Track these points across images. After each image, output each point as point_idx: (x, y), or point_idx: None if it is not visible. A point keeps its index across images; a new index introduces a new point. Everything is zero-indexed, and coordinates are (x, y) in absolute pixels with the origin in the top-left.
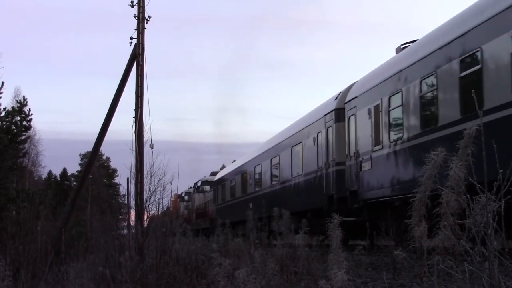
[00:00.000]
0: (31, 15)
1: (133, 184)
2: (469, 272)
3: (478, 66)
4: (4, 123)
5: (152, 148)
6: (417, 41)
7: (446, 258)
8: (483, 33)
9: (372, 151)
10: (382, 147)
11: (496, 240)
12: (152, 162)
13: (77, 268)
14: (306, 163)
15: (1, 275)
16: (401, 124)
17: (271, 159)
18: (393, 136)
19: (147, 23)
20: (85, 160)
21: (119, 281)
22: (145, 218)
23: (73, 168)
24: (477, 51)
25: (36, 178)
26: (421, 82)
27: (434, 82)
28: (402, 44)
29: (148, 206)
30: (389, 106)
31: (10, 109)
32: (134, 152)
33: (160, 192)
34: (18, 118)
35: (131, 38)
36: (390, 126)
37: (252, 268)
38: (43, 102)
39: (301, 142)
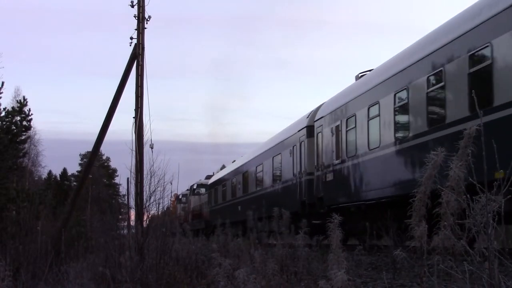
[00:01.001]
0: (31, 15)
1: (133, 184)
2: (469, 272)
3: (405, 101)
4: (4, 123)
5: (152, 148)
6: (371, 71)
7: (446, 258)
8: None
9: (334, 164)
10: (341, 161)
11: (496, 240)
12: (152, 162)
13: (77, 268)
14: (284, 172)
15: (1, 275)
16: (355, 143)
17: (256, 167)
18: (349, 152)
19: (147, 23)
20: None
21: (119, 281)
22: (145, 218)
23: (73, 168)
24: (405, 88)
25: (36, 178)
26: (368, 109)
27: (377, 111)
28: (360, 73)
29: (148, 206)
30: (346, 127)
31: (10, 109)
32: (134, 152)
33: (160, 192)
34: (18, 118)
35: (131, 38)
36: (347, 143)
37: (252, 268)
38: (43, 102)
39: (280, 153)
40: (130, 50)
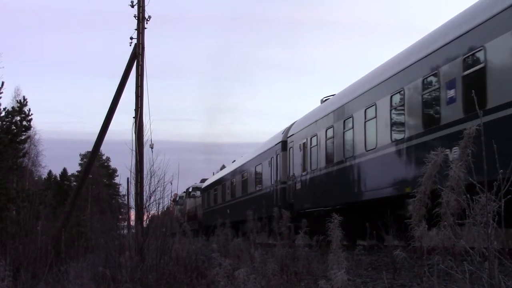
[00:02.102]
0: (31, 15)
1: (133, 184)
2: (469, 272)
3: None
4: (4, 123)
5: (152, 148)
6: (332, 96)
7: (446, 258)
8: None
9: (301, 175)
10: (307, 173)
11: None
12: (152, 162)
13: (77, 268)
14: (264, 180)
15: (1, 275)
16: (317, 158)
17: (242, 174)
18: (313, 165)
19: (147, 23)
20: (85, 160)
21: (119, 281)
22: (145, 218)
23: (73, 168)
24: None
25: (36, 178)
26: (326, 130)
27: (331, 133)
28: (325, 97)
29: (148, 206)
30: (311, 144)
31: (10, 109)
32: (134, 152)
33: (160, 192)
34: (18, 118)
35: (131, 38)
36: (311, 158)
37: (252, 268)
38: (43, 102)
39: (261, 163)
40: (130, 50)
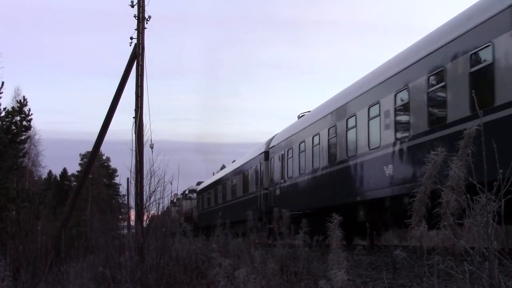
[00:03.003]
0: (31, 15)
1: (133, 184)
2: (469, 272)
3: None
4: (4, 123)
5: (152, 148)
6: (308, 112)
7: (446, 258)
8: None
9: (280, 183)
10: (285, 181)
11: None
12: (152, 162)
13: (77, 268)
14: (250, 185)
15: (1, 275)
16: (292, 168)
17: (231, 179)
18: (289, 174)
19: (147, 23)
20: (85, 160)
21: (119, 281)
22: (145, 218)
23: (73, 168)
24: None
25: (36, 178)
26: (299, 145)
27: (303, 147)
28: (301, 113)
29: (148, 206)
30: (287, 156)
31: (10, 109)
32: (134, 152)
33: (160, 192)
34: (18, 118)
35: (131, 38)
36: (288, 168)
37: (252, 268)
38: (43, 102)
39: (248, 170)
40: (130, 50)
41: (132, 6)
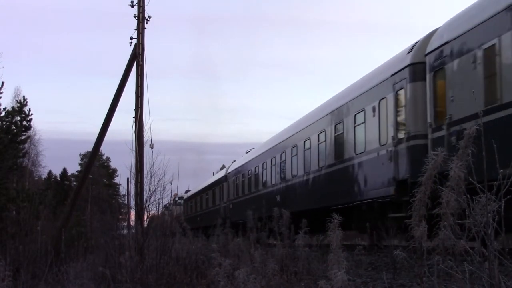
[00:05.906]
0: (31, 15)
1: (133, 184)
2: (469, 272)
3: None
4: (4, 123)
5: (152, 148)
6: (253, 149)
7: (446, 258)
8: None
9: (233, 199)
10: (235, 198)
11: (496, 240)
12: (152, 162)
13: (77, 268)
14: (217, 199)
15: (1, 275)
16: (241, 189)
17: (206, 193)
18: (239, 194)
19: (147, 23)
20: (85, 160)
21: (119, 281)
22: (145, 218)
23: (73, 168)
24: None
25: (36, 178)
26: (242, 174)
27: (247, 174)
28: (248, 150)
29: (148, 206)
30: (237, 180)
31: (10, 109)
32: (134, 152)
33: (160, 192)
34: (18, 118)
35: (131, 38)
36: (237, 189)
37: (252, 268)
38: (43, 102)
39: (215, 188)
40: (130, 50)
41: (132, 6)
